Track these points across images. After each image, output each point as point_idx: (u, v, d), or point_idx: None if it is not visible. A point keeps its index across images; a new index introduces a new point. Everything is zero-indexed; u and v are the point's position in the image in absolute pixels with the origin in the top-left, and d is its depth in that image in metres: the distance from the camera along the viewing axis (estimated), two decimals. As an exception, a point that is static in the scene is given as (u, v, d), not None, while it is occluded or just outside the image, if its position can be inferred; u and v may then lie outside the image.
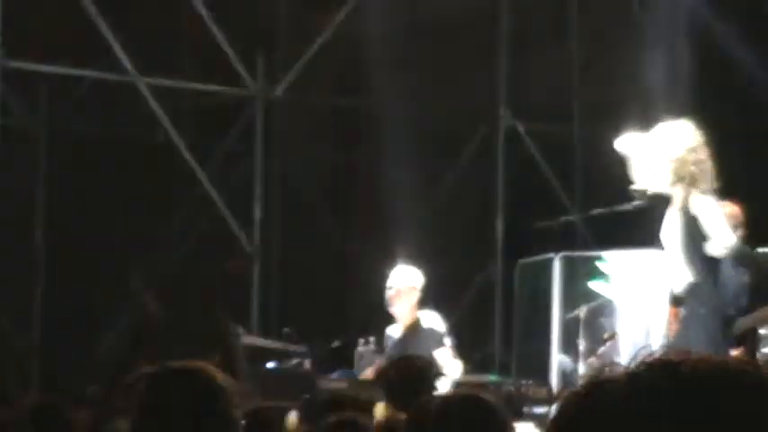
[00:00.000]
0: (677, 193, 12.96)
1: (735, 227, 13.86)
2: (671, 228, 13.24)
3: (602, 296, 16.12)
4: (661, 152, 13.08)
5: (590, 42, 23.48)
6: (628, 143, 13.53)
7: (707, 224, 12.91)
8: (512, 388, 16.83)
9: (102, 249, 21.37)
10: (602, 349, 16.40)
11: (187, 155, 20.87)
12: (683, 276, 13.25)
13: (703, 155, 13.05)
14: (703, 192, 12.99)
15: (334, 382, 15.71)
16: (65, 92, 21.57)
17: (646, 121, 17.46)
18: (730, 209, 13.97)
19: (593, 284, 16.24)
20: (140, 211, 21.75)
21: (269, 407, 11.20)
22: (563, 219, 19.04)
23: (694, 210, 12.90)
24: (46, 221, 21.49)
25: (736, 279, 14.02)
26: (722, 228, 13.10)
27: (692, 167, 12.84)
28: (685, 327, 13.42)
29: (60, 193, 22.45)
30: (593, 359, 16.55)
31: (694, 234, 12.97)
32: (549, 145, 23.31)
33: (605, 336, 16.50)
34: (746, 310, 14.21)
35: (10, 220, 21.07)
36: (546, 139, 23.30)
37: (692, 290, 13.14)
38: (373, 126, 23.79)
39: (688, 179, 12.83)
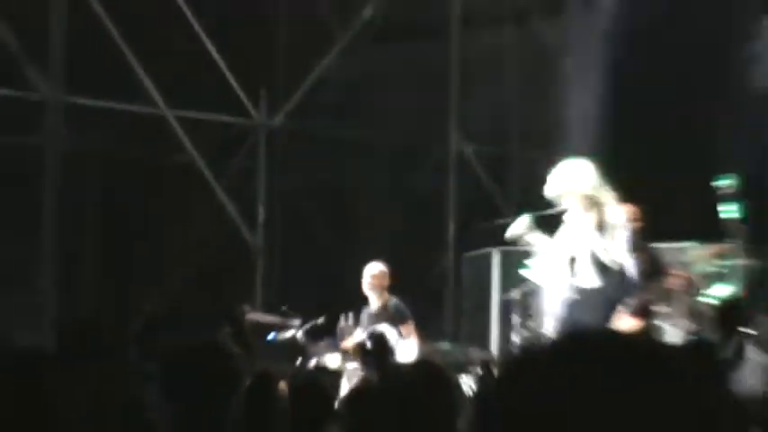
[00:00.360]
0: (590, 217, 14.05)
1: (633, 221, 14.35)
2: (587, 237, 14.33)
3: (530, 281, 17.04)
4: (573, 190, 14.06)
5: (524, 82, 23.93)
6: (552, 189, 14.39)
7: (614, 236, 14.17)
8: (460, 353, 17.94)
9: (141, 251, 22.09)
10: (530, 323, 17.47)
11: (206, 173, 21.14)
12: (593, 270, 14.34)
13: (601, 185, 14.09)
14: (607, 208, 14.28)
15: (321, 349, 16.63)
16: (107, 121, 21.58)
17: (568, 146, 19.96)
18: (629, 208, 14.37)
19: (523, 272, 17.30)
20: (165, 218, 22.14)
21: (269, 371, 10.91)
22: (501, 221, 18.16)
23: (605, 226, 14.06)
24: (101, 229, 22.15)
25: (633, 269, 14.38)
26: (624, 240, 14.35)
27: (598, 197, 13.95)
28: (587, 305, 14.45)
29: (110, 207, 22.85)
30: (524, 331, 17.33)
31: (604, 242, 14.21)
32: (491, 162, 24.35)
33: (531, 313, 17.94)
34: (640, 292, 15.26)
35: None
36: (488, 158, 24.29)
37: (601, 278, 14.25)
38: (357, 148, 23.93)
39: (597, 206, 14.01)
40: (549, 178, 14.62)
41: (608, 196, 14.14)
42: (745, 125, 20.73)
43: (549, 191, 14.40)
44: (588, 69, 22.52)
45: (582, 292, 14.77)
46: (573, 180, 14.18)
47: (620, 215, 14.22)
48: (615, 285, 14.38)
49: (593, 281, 14.54)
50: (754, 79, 21.53)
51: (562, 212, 14.84)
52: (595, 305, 14.69)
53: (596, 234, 14.37)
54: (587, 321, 14.40)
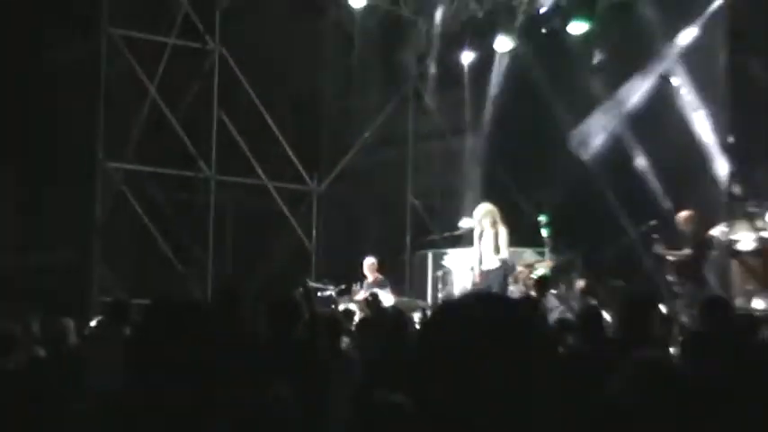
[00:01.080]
0: (493, 230, 18.05)
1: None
2: (489, 244, 18.23)
3: (447, 267, 20.61)
4: (487, 215, 18.23)
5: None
6: (477, 214, 18.59)
7: (502, 243, 17.72)
8: (413, 303, 19.74)
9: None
10: (447, 289, 20.25)
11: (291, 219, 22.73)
12: (488, 261, 18.22)
13: (498, 216, 18.14)
14: (500, 230, 17.88)
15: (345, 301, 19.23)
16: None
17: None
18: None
19: (444, 263, 20.76)
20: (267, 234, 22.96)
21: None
22: (431, 237, 22.67)
23: (499, 240, 17.92)
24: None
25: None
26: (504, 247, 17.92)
27: (496, 219, 17.97)
28: (487, 280, 18.26)
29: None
30: (444, 292, 20.20)
31: (498, 248, 17.74)
32: (428, 210, 24.82)
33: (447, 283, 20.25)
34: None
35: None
36: (430, 209, 25.08)
37: (493, 265, 17.92)
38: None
39: (495, 224, 17.94)
40: (475, 210, 18.57)
41: (499, 218, 18.02)
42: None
43: (476, 215, 18.40)
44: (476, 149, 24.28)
45: (485, 271, 18.44)
46: (487, 210, 18.13)
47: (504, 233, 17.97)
48: (503, 268, 18.29)
49: (493, 264, 18.31)
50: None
51: (465, 232, 19.33)
52: (492, 279, 18.19)
53: (495, 238, 18.15)
54: (489, 288, 16.97)
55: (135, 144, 20.71)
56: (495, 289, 17.22)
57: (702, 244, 17.19)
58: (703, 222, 17.24)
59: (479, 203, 19.67)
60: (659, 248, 17.57)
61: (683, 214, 17.50)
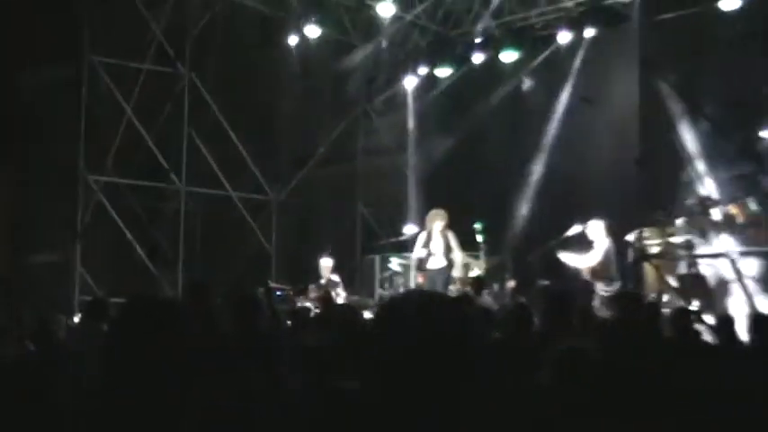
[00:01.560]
0: (443, 232, 17.91)
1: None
2: (437, 246, 18.09)
3: (392, 269, 20.64)
4: (439, 219, 18.08)
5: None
6: (431, 218, 18.49)
7: (454, 245, 17.56)
8: (363, 300, 19.66)
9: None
10: (392, 288, 20.19)
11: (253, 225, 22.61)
12: (435, 261, 18.06)
13: (446, 220, 17.95)
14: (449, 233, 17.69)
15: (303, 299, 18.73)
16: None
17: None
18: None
19: (390, 265, 20.77)
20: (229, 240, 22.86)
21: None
22: (381, 242, 22.59)
23: (451, 242, 17.79)
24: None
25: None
26: (457, 247, 17.75)
27: (446, 223, 17.72)
28: (431, 280, 18.11)
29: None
30: (389, 291, 20.17)
31: (449, 249, 17.62)
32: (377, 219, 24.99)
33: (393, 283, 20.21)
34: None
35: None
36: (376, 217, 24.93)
37: (439, 265, 17.84)
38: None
39: (446, 227, 17.73)
40: (429, 214, 18.53)
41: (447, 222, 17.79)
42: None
43: (429, 219, 18.35)
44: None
45: (432, 270, 18.29)
46: (436, 214, 18.12)
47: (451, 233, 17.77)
48: (449, 267, 18.11)
49: (440, 264, 18.17)
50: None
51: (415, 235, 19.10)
52: (437, 278, 18.13)
53: (445, 240, 18.09)
54: (432, 287, 17.13)
55: (113, 158, 20.86)
56: (440, 287, 17.46)
57: (608, 250, 17.21)
58: (610, 230, 17.28)
59: (422, 211, 20.20)
60: (563, 254, 17.53)
61: (592, 223, 17.52)
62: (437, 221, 18.55)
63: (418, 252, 18.86)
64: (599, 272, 17.19)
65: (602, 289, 16.82)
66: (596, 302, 16.24)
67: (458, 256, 18.50)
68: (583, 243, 17.54)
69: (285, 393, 6.98)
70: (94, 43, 20.41)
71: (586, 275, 17.30)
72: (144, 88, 20.74)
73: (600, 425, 4.27)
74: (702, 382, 5.64)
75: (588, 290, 16.77)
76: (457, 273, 18.77)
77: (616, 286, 16.90)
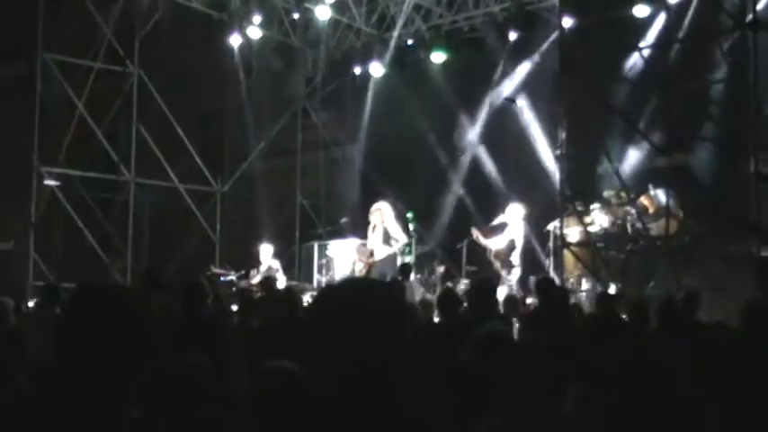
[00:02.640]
0: (383, 229, 17.64)
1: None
2: (378, 238, 17.90)
3: (332, 256, 20.35)
4: (385, 213, 17.85)
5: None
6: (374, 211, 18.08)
7: (395, 233, 17.35)
8: (302, 286, 19.25)
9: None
10: (329, 274, 20.05)
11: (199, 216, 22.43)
12: (380, 252, 17.92)
13: (388, 212, 17.88)
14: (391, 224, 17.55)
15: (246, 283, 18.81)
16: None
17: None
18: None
19: (329, 252, 20.53)
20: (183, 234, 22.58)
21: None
22: (318, 231, 22.69)
23: (392, 232, 17.57)
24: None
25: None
26: (400, 233, 17.61)
27: (394, 216, 17.66)
28: (379, 268, 17.79)
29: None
30: (327, 277, 19.94)
31: (390, 238, 17.45)
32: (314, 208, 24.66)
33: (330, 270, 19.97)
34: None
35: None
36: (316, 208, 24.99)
37: (384, 255, 17.70)
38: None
39: (386, 223, 17.55)
40: (375, 206, 18.18)
41: (389, 214, 17.74)
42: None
43: (371, 212, 18.07)
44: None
45: (378, 261, 18.01)
46: (376, 207, 17.90)
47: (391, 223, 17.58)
48: (394, 255, 17.87)
49: (384, 254, 17.92)
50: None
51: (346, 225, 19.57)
52: (385, 267, 17.89)
53: (386, 231, 17.85)
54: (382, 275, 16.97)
55: (66, 151, 20.70)
56: (390, 275, 17.27)
57: (517, 236, 17.45)
58: (528, 217, 17.59)
59: (358, 201, 20.92)
60: (475, 232, 17.73)
61: (511, 206, 17.75)
62: (374, 215, 18.52)
63: (368, 241, 18.86)
64: (501, 257, 17.43)
65: (505, 276, 17.14)
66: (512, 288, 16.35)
67: (401, 242, 18.45)
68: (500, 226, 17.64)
69: (228, 375, 6.97)
70: (48, 42, 20.26)
71: (491, 257, 17.54)
72: (95, 85, 20.65)
73: (516, 399, 4.26)
74: (620, 359, 5.58)
75: (495, 275, 16.74)
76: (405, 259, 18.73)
77: (517, 273, 17.19)
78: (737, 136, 15.04)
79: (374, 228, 18.38)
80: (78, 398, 3.00)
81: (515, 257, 17.28)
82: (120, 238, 21.18)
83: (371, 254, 18.44)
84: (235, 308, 12.68)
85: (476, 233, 17.66)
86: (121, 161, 21.25)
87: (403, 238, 18.16)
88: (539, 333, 6.74)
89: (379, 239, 18.25)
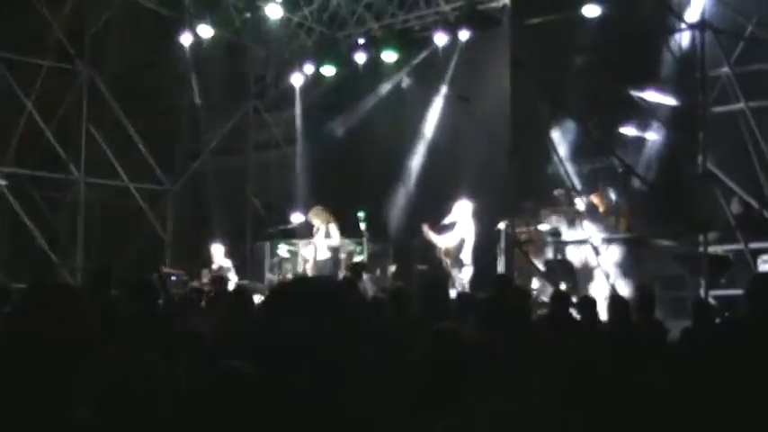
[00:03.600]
0: (324, 226, 18.16)
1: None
2: (320, 240, 18.26)
3: (283, 255, 20.37)
4: (320, 215, 18.26)
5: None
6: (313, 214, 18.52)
7: (334, 235, 17.72)
8: (253, 285, 19.29)
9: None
10: (281, 273, 20.04)
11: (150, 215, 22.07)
12: (321, 253, 18.40)
13: (326, 215, 18.24)
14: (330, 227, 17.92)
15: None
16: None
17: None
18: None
19: (280, 251, 20.59)
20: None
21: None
22: (270, 230, 22.11)
23: (332, 232, 18.04)
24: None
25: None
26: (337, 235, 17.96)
27: (325, 221, 17.97)
28: (319, 269, 18.17)
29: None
30: (278, 276, 19.94)
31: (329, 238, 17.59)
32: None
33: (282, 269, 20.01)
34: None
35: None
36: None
37: (324, 257, 18.07)
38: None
39: (326, 222, 18.02)
40: (311, 211, 18.65)
41: (327, 217, 18.10)
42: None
43: (309, 216, 18.53)
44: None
45: (318, 261, 18.48)
46: (316, 212, 18.33)
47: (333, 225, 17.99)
48: (333, 258, 18.25)
49: (324, 256, 18.36)
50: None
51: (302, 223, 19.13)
52: (324, 268, 18.24)
53: (326, 234, 18.20)
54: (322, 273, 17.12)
55: (15, 150, 20.58)
56: (332, 274, 17.77)
57: (467, 234, 17.57)
58: (476, 214, 17.72)
59: (309, 202, 20.41)
60: (426, 229, 17.78)
61: (459, 203, 17.82)
62: (315, 218, 18.92)
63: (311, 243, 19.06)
64: (452, 254, 17.49)
65: (456, 274, 17.21)
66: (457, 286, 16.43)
67: (334, 245, 18.79)
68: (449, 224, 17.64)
69: (178, 375, 6.82)
70: (-5, 40, 19.45)
71: (442, 255, 17.61)
72: (44, 83, 20.48)
73: (470, 398, 4.24)
74: (570, 355, 5.62)
75: (446, 274, 16.92)
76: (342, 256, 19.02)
77: (468, 271, 17.30)
78: (685, 135, 15.26)
79: (317, 230, 18.70)
80: (21, 395, 2.98)
81: (466, 255, 17.34)
82: (70, 237, 21.01)
83: (315, 254, 18.72)
84: (186, 307, 12.41)
85: (426, 230, 17.67)
86: (71, 160, 21.03)
87: (338, 240, 18.69)
88: (494, 331, 6.66)
89: (322, 240, 18.62)
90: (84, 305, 3.19)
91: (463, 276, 17.23)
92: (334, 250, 18.78)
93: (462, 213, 17.52)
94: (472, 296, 13.00)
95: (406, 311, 9.62)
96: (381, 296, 14.36)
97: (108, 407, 4.32)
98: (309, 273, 18.52)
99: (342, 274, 18.40)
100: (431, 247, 18.01)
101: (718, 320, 9.70)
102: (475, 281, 17.12)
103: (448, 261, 17.52)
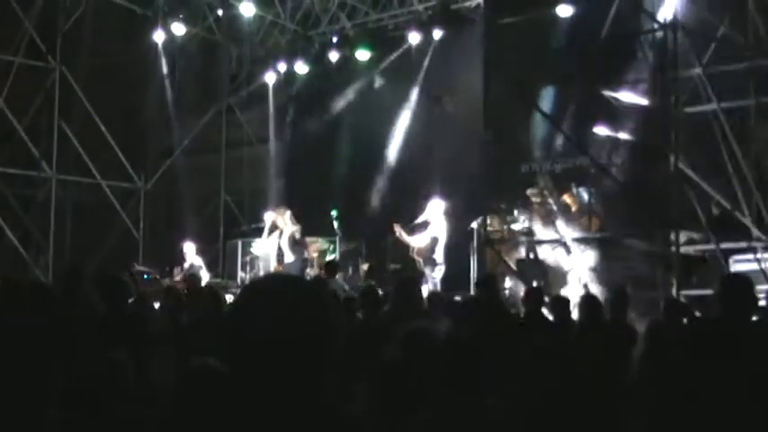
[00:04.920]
0: (288, 233, 18.14)
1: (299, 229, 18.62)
2: (284, 242, 18.38)
3: (256, 253, 20.30)
4: (282, 216, 18.26)
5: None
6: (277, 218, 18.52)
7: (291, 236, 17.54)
8: (225, 283, 19.86)
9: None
10: (253, 271, 19.97)
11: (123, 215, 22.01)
12: (286, 256, 18.28)
13: (287, 217, 18.30)
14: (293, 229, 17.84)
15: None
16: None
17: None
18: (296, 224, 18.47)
19: (253, 249, 20.54)
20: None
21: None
22: (242, 228, 22.63)
23: (291, 230, 17.95)
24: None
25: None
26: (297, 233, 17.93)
27: (287, 223, 18.02)
28: (287, 268, 18.06)
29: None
30: (250, 275, 19.97)
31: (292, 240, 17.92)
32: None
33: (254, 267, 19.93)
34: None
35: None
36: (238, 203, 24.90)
37: (290, 259, 18.14)
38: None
39: (289, 227, 18.01)
40: (274, 212, 18.65)
41: (288, 219, 18.14)
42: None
43: (270, 217, 18.56)
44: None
45: (285, 264, 18.48)
46: (277, 213, 18.45)
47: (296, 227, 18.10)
48: (299, 260, 18.27)
49: (290, 258, 18.35)
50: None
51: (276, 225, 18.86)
52: (291, 270, 17.76)
53: (291, 234, 18.24)
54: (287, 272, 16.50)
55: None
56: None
57: (439, 233, 17.71)
58: (448, 213, 17.81)
59: (279, 201, 20.61)
60: (398, 229, 17.87)
61: (432, 202, 17.94)
62: (278, 219, 19.14)
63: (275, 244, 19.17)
64: (424, 254, 17.58)
65: (429, 273, 17.28)
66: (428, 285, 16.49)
67: (297, 250, 18.95)
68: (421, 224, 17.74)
69: (151, 373, 6.91)
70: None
71: (415, 255, 17.70)
72: (16, 80, 20.31)
73: (443, 397, 4.24)
74: (542, 354, 5.65)
75: (419, 273, 16.99)
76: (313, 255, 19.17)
77: (441, 270, 17.41)
78: (658, 135, 15.26)
79: (281, 232, 18.85)
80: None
81: (439, 255, 17.41)
82: (42, 235, 20.91)
83: (281, 257, 18.85)
84: (157, 305, 12.57)
85: (398, 230, 17.74)
86: (43, 157, 20.96)
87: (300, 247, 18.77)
88: (468, 329, 6.69)
89: (287, 243, 18.74)
90: (55, 303, 3.18)
91: (435, 275, 17.26)
92: (298, 249, 18.92)
93: (434, 213, 17.59)
94: (442, 295, 13.12)
95: (379, 310, 9.60)
96: (354, 295, 14.49)
97: (76, 406, 4.19)
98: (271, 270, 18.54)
99: (310, 272, 18.74)
100: (403, 246, 18.07)
101: (686, 320, 9.66)
102: (447, 280, 17.20)
103: (420, 260, 17.56)
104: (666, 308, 9.71)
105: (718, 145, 14.72)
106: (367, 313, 9.63)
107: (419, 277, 15.55)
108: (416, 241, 17.62)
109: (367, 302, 9.79)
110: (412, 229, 17.79)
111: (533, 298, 10.96)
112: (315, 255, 19.48)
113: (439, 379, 4.31)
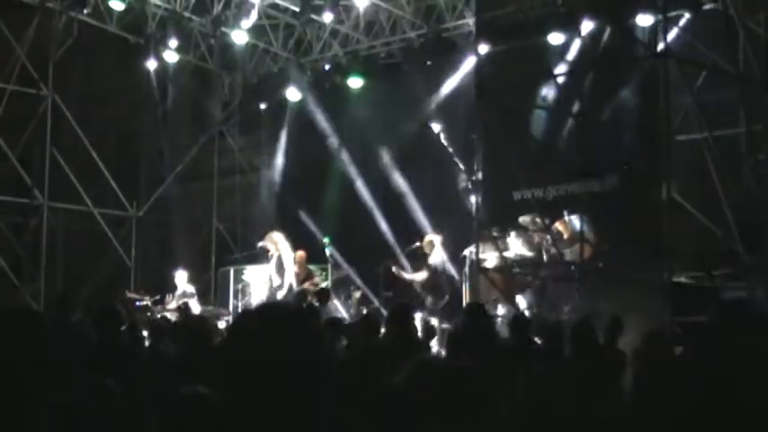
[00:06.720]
0: (276, 258, 18.01)
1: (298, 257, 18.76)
2: (272, 265, 18.26)
3: (248, 281, 20.53)
4: (275, 242, 18.21)
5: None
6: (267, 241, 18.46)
7: (287, 266, 17.77)
8: (216, 311, 19.77)
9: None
10: (245, 299, 20.09)
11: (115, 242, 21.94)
12: (275, 279, 18.24)
13: (279, 243, 18.27)
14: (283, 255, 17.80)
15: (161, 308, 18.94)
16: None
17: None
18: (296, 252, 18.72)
19: (245, 277, 20.77)
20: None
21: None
22: (235, 256, 22.78)
23: (284, 256, 17.91)
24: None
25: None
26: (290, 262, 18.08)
27: (281, 247, 18.00)
28: (273, 296, 17.83)
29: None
30: (242, 302, 19.94)
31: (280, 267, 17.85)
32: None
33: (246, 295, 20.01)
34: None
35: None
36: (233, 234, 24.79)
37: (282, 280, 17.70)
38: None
39: (279, 253, 17.90)
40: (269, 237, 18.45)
41: (281, 245, 18.07)
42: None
43: (273, 242, 18.41)
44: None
45: (274, 286, 18.23)
46: (269, 239, 18.28)
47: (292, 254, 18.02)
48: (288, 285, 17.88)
49: (276, 281, 18.15)
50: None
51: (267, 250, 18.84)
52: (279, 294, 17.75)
53: (280, 260, 18.10)
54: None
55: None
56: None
57: (433, 266, 17.89)
58: (445, 245, 17.99)
59: (274, 226, 20.22)
60: (396, 270, 18.16)
61: (429, 237, 18.23)
62: (269, 246, 19.04)
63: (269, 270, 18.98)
64: (429, 286, 17.76)
65: (431, 303, 17.45)
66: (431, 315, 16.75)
67: (287, 278, 18.84)
68: (420, 256, 17.97)
69: (142, 400, 6.76)
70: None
71: (419, 289, 17.83)
72: (8, 108, 20.38)
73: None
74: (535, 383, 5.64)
75: (419, 302, 17.13)
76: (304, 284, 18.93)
77: (445, 300, 17.50)
78: (650, 163, 15.31)
79: (271, 256, 18.71)
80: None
81: (443, 286, 17.82)
82: (33, 262, 20.79)
83: (270, 282, 18.86)
84: (148, 333, 12.55)
85: (396, 270, 18.06)
86: (35, 185, 20.88)
87: (292, 273, 18.68)
88: (463, 358, 6.60)
89: (274, 268, 18.62)
90: (47, 332, 3.16)
91: (439, 306, 17.52)
92: (288, 277, 18.72)
93: (431, 247, 17.90)
94: (432, 325, 13.02)
95: (373, 338, 9.58)
96: (350, 321, 14.44)
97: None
98: (261, 299, 18.63)
99: (298, 299, 18.43)
100: (399, 280, 18.35)
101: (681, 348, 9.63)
102: (447, 308, 17.23)
103: (425, 293, 17.88)
104: (656, 335, 9.65)
105: (711, 173, 14.75)
106: (363, 340, 9.66)
107: (411, 306, 15.56)
108: (417, 277, 17.99)
109: (364, 329, 9.89)
110: (408, 255, 18.42)
111: (520, 325, 10.90)
112: (307, 284, 19.19)
113: (437, 408, 4.24)
